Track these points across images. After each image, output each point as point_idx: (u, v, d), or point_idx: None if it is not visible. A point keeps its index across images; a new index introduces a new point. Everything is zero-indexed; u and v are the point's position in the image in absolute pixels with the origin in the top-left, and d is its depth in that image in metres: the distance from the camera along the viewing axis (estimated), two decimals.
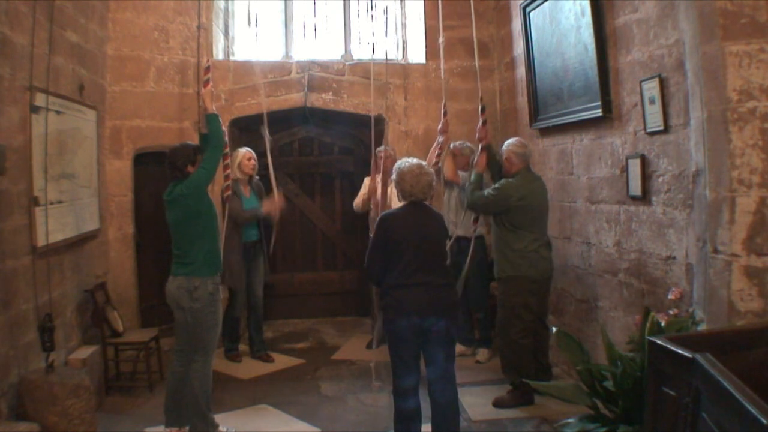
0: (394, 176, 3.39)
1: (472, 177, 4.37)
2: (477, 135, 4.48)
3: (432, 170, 3.41)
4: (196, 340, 3.54)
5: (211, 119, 3.71)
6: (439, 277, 3.29)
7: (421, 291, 3.20)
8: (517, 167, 4.17)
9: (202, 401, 3.55)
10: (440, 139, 4.69)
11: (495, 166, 4.44)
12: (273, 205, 4.83)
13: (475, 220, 4.65)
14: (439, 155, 4.66)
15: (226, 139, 4.23)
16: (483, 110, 4.51)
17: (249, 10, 5.23)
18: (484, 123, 4.48)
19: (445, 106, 4.71)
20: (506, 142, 4.29)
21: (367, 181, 5.24)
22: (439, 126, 4.68)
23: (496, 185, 4.18)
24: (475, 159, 4.49)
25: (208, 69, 4.15)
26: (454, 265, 5.11)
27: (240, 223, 4.87)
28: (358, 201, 5.38)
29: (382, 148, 5.31)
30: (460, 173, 5.04)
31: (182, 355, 3.60)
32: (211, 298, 3.53)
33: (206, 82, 4.06)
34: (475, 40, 4.74)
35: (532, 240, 4.06)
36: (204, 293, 3.50)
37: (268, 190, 4.94)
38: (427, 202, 3.43)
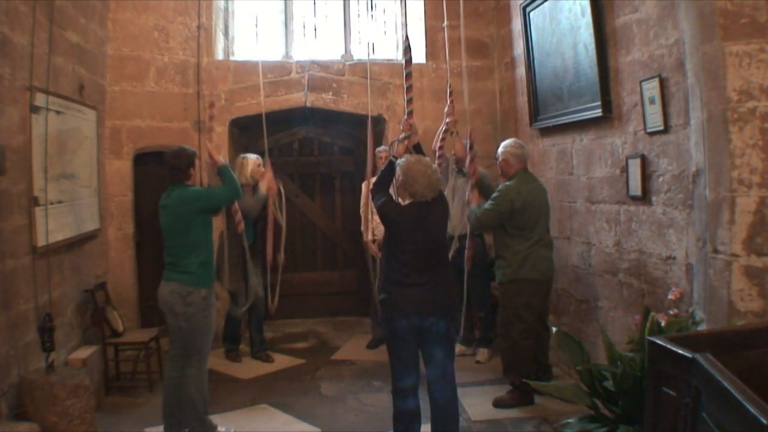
0: (400, 177, 3.29)
1: (473, 209, 4.19)
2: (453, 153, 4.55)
3: (437, 169, 3.35)
4: (190, 345, 3.52)
5: (224, 171, 3.69)
6: (440, 276, 3.27)
7: (421, 291, 3.19)
8: (515, 168, 4.15)
9: (199, 405, 3.55)
10: (447, 120, 4.41)
11: (486, 192, 4.30)
12: (267, 179, 4.67)
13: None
14: (443, 139, 4.39)
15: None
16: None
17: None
18: (452, 134, 4.39)
19: (450, 86, 4.45)
20: (503, 144, 4.26)
21: (365, 185, 5.21)
22: (446, 108, 4.42)
23: (495, 193, 4.12)
24: (467, 194, 4.33)
25: (211, 111, 4.24)
26: (454, 263, 5.12)
27: (249, 212, 4.69)
28: (363, 207, 5.30)
29: (381, 147, 5.31)
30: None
31: (176, 361, 3.58)
32: (204, 302, 3.51)
33: (210, 130, 4.18)
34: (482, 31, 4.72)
35: (534, 242, 4.05)
36: (197, 298, 3.48)
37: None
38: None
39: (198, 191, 3.65)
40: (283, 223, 4.74)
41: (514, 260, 4.03)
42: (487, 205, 4.10)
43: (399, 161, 3.36)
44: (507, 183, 4.13)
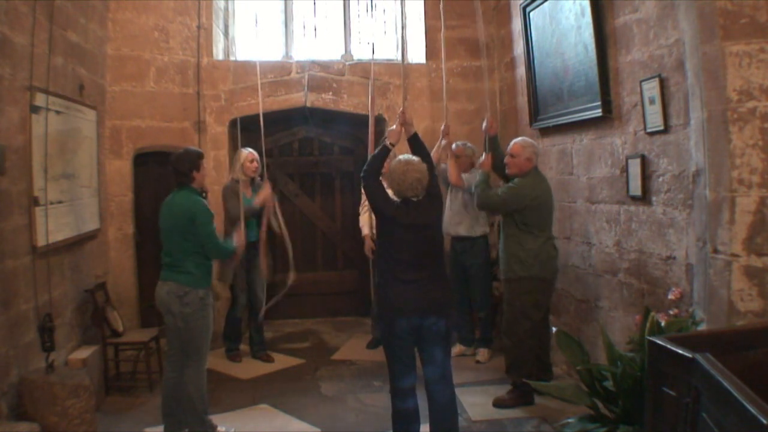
0: (389, 175, 3.35)
1: (479, 176, 4.25)
2: (484, 125, 4.42)
3: (422, 166, 3.30)
4: (188, 345, 3.51)
5: (226, 249, 3.68)
6: (435, 271, 3.27)
7: (417, 288, 3.18)
8: (532, 166, 4.11)
9: (198, 405, 3.54)
10: (442, 142, 4.60)
11: (500, 165, 4.28)
12: (264, 194, 4.76)
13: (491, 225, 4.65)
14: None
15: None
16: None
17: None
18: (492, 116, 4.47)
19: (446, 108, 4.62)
20: (520, 142, 4.16)
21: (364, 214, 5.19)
22: (442, 127, 4.60)
23: (510, 184, 4.10)
24: (481, 158, 4.38)
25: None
26: (457, 263, 5.14)
27: (235, 220, 4.75)
28: (363, 220, 5.26)
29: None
30: (464, 175, 4.97)
31: (175, 361, 3.58)
32: (201, 302, 3.50)
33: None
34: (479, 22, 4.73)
35: (544, 240, 4.05)
36: (194, 298, 3.47)
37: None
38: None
39: (199, 213, 3.49)
40: (286, 235, 4.68)
41: (526, 258, 4.00)
42: (500, 190, 4.11)
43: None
44: (522, 179, 4.07)
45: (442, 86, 5.97)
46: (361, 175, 3.42)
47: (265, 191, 4.77)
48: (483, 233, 5.08)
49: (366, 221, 5.19)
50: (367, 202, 4.87)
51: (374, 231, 4.79)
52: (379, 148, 3.52)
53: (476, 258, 5.06)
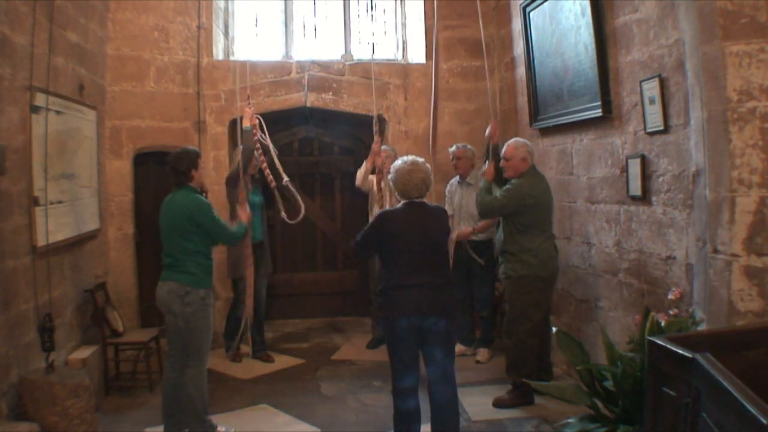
0: (391, 176, 3.38)
1: (482, 184, 4.22)
2: (487, 132, 4.43)
3: (426, 167, 3.35)
4: (188, 345, 3.52)
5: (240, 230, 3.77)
6: (439, 276, 3.27)
7: (420, 291, 3.19)
8: (528, 166, 4.12)
9: (199, 405, 3.54)
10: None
11: (502, 174, 4.25)
12: (247, 114, 4.54)
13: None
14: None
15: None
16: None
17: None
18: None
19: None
20: (514, 144, 4.17)
21: (365, 163, 5.23)
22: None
23: (508, 186, 4.10)
24: (484, 167, 4.34)
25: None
26: (461, 263, 5.13)
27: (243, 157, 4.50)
28: (359, 176, 5.31)
29: (384, 147, 5.30)
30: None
31: (175, 361, 3.58)
32: (202, 302, 3.51)
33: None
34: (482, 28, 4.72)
35: (544, 239, 4.05)
36: (195, 298, 3.48)
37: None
38: (425, 200, 3.40)
39: (199, 212, 3.51)
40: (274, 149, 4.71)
41: (526, 257, 4.01)
42: (499, 194, 4.09)
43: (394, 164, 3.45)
44: (519, 180, 4.08)
45: (443, 87, 6.01)
46: (354, 244, 3.47)
47: (247, 113, 4.55)
48: (488, 237, 5.09)
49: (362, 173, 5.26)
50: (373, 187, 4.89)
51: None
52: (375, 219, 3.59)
53: (480, 257, 5.07)
